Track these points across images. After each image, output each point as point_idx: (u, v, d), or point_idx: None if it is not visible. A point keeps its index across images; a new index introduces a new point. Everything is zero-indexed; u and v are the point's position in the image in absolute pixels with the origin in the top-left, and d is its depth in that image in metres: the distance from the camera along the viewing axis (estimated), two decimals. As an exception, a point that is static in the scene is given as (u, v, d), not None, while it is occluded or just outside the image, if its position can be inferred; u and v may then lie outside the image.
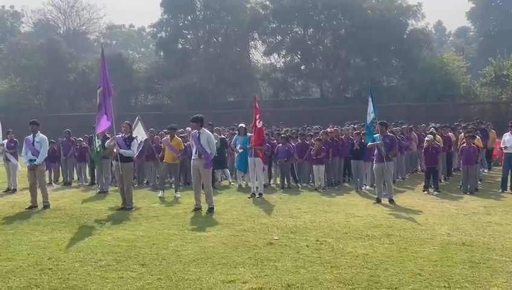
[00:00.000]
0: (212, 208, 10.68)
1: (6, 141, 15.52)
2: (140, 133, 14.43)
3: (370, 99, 12.44)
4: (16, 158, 15.23)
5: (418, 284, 5.79)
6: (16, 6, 66.89)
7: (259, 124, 12.96)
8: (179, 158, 13.49)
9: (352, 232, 8.47)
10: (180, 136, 14.10)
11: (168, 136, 13.65)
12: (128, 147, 11.48)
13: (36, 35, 54.85)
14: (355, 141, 14.16)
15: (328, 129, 16.05)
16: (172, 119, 16.89)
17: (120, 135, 11.55)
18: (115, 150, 11.36)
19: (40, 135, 11.85)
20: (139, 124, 14.79)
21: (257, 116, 12.91)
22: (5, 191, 14.74)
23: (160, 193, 13.13)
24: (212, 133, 12.75)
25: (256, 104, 13.33)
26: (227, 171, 15.84)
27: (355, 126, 16.92)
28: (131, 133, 12.07)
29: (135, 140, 11.90)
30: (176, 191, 13.27)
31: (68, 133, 17.13)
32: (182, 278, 6.14)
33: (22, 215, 10.76)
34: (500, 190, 13.24)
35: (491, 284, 5.78)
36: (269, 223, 9.36)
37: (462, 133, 15.12)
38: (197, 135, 10.85)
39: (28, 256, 7.26)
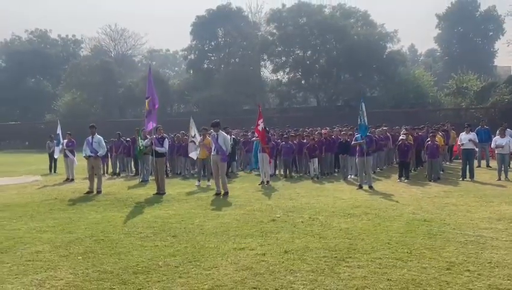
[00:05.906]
0: (227, 192, 10.80)
1: (65, 140, 15.79)
2: (194, 131, 13.90)
3: (363, 108, 11.91)
4: (73, 155, 15.36)
5: (387, 250, 5.86)
6: (76, 35, 67.38)
7: (260, 127, 12.92)
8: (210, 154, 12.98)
9: (338, 211, 8.55)
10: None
11: (202, 136, 13.26)
12: (161, 145, 11.72)
13: (93, 58, 54.99)
14: (342, 140, 14.24)
15: (322, 131, 16.12)
16: (199, 123, 16.87)
17: (155, 136, 11.74)
18: (152, 147, 11.56)
19: (97, 136, 12.12)
20: (193, 124, 14.16)
21: (259, 121, 12.87)
22: (65, 181, 14.98)
23: (196, 182, 13.01)
24: (228, 134, 12.80)
25: (260, 111, 13.29)
26: (235, 163, 16.12)
27: (342, 128, 16.82)
28: (164, 134, 12.23)
29: (166, 139, 12.09)
30: (208, 181, 13.07)
31: (118, 134, 17.33)
32: (204, 246, 6.27)
33: (81, 198, 10.97)
34: (461, 179, 13.16)
35: (444, 250, 5.83)
36: (273, 204, 9.48)
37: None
38: (216, 136, 11.00)
39: (85, 230, 7.44)
